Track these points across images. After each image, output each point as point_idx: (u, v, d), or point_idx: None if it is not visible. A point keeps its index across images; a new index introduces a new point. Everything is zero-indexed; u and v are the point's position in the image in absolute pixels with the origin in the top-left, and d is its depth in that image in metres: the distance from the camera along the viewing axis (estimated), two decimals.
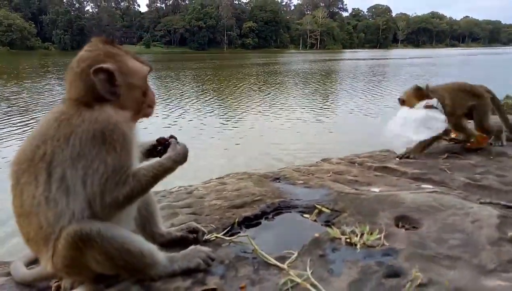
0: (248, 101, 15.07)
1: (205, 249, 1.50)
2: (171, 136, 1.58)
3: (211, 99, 15.74)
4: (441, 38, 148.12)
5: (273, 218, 2.11)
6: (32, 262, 1.98)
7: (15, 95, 16.64)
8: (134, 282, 1.38)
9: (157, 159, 1.52)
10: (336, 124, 11.06)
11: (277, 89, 18.92)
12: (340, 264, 1.42)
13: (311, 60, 51.69)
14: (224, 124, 11.26)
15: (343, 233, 1.63)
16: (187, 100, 15.19)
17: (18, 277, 1.79)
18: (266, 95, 16.94)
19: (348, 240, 1.57)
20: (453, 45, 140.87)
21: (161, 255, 1.40)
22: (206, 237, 1.73)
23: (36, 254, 1.39)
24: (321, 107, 14.08)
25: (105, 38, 1.47)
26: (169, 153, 1.46)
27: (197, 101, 15.18)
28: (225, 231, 1.84)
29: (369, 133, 9.72)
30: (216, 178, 2.94)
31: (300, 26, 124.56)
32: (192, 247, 1.51)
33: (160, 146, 1.59)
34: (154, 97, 1.53)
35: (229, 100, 15.52)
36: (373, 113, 12.55)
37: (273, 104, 14.59)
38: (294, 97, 16.47)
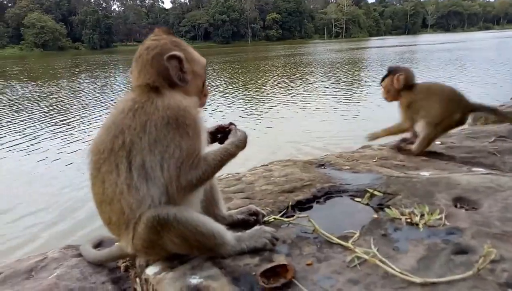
0: (277, 92, 15.07)
1: (269, 229, 1.56)
2: (231, 123, 1.65)
3: (241, 92, 15.85)
4: (473, 22, 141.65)
5: (324, 202, 2.14)
6: (97, 246, 2.13)
7: (53, 94, 17.38)
8: (205, 259, 1.46)
9: (217, 144, 1.60)
10: (368, 112, 10.90)
11: (305, 80, 18.79)
12: (405, 242, 1.44)
13: (337, 49, 50.85)
14: (256, 115, 11.34)
15: (402, 214, 1.65)
16: (217, 94, 15.34)
17: (90, 257, 1.92)
18: (294, 85, 16.87)
19: (408, 220, 1.59)
20: (486, 28, 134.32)
21: (229, 235, 1.47)
22: (264, 218, 1.79)
23: (116, 237, 1.49)
24: (351, 95, 13.88)
25: (167, 29, 1.56)
26: (231, 139, 1.54)
27: (227, 94, 15.32)
28: (282, 213, 1.90)
29: None
30: (261, 166, 3.00)
31: (325, 15, 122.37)
32: (257, 227, 1.58)
33: (220, 133, 1.67)
34: (208, 89, 1.64)
35: (259, 92, 15.57)
36: None
37: (303, 94, 14.52)
38: (323, 86, 16.31)
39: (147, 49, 1.44)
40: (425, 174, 2.39)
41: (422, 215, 1.61)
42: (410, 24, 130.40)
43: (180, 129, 1.32)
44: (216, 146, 1.60)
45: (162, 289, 1.33)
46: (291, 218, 1.77)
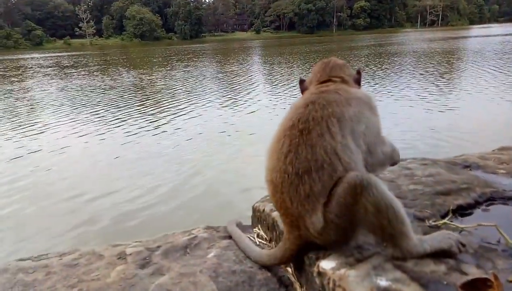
0: (365, 84, 14.38)
1: (453, 233, 1.44)
2: None
3: None
4: None
5: (487, 209, 1.92)
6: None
7: (159, 81, 18.83)
8: (386, 260, 1.38)
9: None
10: (482, 109, 9.87)
11: (397, 72, 17.65)
12: None
13: (433, 38, 46.93)
14: None
15: None
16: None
17: (251, 255, 1.90)
18: (386, 77, 15.95)
19: None
20: None
21: (412, 231, 1.39)
22: (433, 222, 1.66)
23: (305, 211, 1.43)
24: (460, 89, 12.66)
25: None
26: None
27: None
28: (448, 218, 1.74)
29: None
30: None
31: (419, 1, 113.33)
32: (438, 232, 1.46)
33: None
34: None
35: None
36: None
37: (396, 86, 13.65)
38: (419, 80, 15.14)
39: (338, 66, 1.75)
40: None
41: None
42: None
43: (373, 110, 1.58)
44: None
45: (347, 286, 1.29)
46: (472, 225, 1.60)
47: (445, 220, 1.67)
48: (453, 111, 9.89)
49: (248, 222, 2.58)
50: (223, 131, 9.24)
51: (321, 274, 1.44)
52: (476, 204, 1.95)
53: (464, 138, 7.47)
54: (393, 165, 1.79)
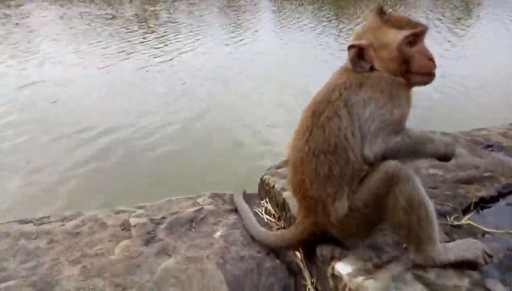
0: None
1: (479, 242, 1.35)
2: None
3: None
4: None
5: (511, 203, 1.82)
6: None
7: (162, 13, 17.84)
8: (406, 268, 1.31)
9: None
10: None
11: (412, 15, 16.63)
12: None
13: None
14: None
15: None
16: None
17: (253, 233, 1.84)
18: None
19: None
20: None
21: (438, 237, 1.31)
22: (455, 222, 1.56)
23: (327, 195, 1.37)
24: (479, 36, 11.96)
25: (377, 9, 1.52)
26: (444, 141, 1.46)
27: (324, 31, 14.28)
28: (469, 215, 1.64)
29: None
30: None
31: None
32: (463, 240, 1.37)
33: None
34: (426, 64, 1.45)
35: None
36: None
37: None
38: (435, 25, 14.29)
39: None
40: None
41: None
42: None
43: (394, 99, 1.38)
44: None
45: None
46: (496, 230, 1.50)
47: (468, 220, 1.57)
48: (469, 59, 9.47)
49: (255, 185, 2.46)
50: (230, 69, 8.92)
51: (335, 276, 1.37)
52: (499, 196, 1.84)
53: (478, 89, 7.21)
54: (444, 158, 1.46)
